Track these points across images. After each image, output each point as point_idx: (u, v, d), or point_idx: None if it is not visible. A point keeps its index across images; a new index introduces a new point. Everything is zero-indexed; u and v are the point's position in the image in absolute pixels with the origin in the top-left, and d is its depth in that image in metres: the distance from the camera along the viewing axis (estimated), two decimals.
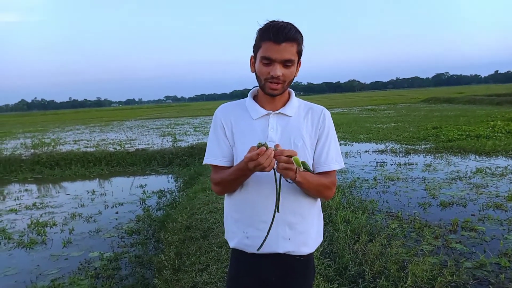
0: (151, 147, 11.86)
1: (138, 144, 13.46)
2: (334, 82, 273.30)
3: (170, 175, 8.67)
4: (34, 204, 6.64)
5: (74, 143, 15.56)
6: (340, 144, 8.39)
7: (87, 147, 13.55)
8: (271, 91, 1.43)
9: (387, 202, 5.43)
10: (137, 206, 6.20)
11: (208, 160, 1.55)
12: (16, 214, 6.14)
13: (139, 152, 10.43)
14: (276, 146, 1.30)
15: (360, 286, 3.02)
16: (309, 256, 1.56)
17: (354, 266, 3.32)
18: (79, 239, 4.81)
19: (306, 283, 1.57)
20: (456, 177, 6.61)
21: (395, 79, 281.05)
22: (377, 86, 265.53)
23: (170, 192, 6.97)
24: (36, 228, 5.23)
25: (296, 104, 1.55)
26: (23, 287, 3.55)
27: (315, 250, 1.60)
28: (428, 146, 9.96)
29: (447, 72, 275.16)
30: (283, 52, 1.37)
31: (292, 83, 1.50)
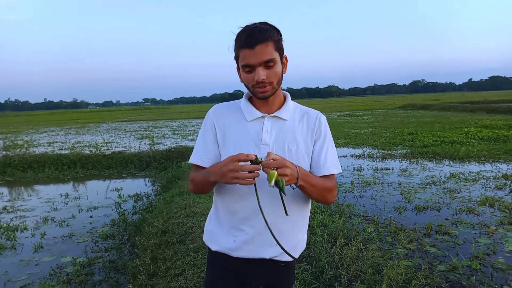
0: (128, 150, 11.67)
1: (115, 147, 13.23)
2: (313, 88, 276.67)
3: (147, 179, 8.55)
4: (4, 208, 6.42)
5: (48, 145, 15.15)
6: None
7: (62, 149, 13.21)
8: (261, 95, 1.41)
9: (363, 206, 5.50)
10: (112, 210, 6.07)
11: (193, 159, 1.52)
12: None
13: (115, 155, 10.24)
14: (268, 154, 1.26)
15: None
16: (292, 263, 1.55)
17: (330, 269, 3.33)
18: (51, 244, 4.67)
19: None
20: (431, 182, 6.75)
21: (373, 85, 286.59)
22: (355, 92, 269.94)
23: (146, 195, 6.86)
24: (6, 233, 5.06)
25: (291, 107, 1.53)
26: None
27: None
28: (404, 151, 10.15)
29: (423, 80, 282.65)
30: (259, 55, 1.34)
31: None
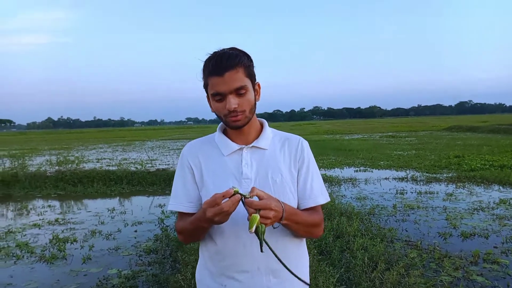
0: (172, 167, 12.02)
1: (159, 164, 13.68)
2: (354, 108, 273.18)
3: None
4: (56, 220, 6.80)
5: (97, 162, 15.91)
6: (359, 171, 8.43)
7: (110, 165, 13.82)
8: (234, 123, 1.31)
9: (406, 231, 5.36)
10: (155, 225, 6.27)
11: (172, 206, 1.40)
12: (39, 229, 6.30)
13: (159, 172, 10.59)
14: (252, 190, 1.15)
15: None
16: None
17: None
18: (99, 256, 4.90)
19: None
20: (479, 208, 6.48)
21: (417, 106, 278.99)
22: (398, 112, 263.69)
23: None
24: (58, 244, 5.35)
25: (270, 135, 1.43)
26: None
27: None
28: (450, 175, 9.80)
29: (471, 100, 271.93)
30: (229, 82, 1.26)
31: (256, 108, 1.38)
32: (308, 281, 1.40)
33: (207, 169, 1.37)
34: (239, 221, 1.26)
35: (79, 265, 4.60)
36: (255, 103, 1.35)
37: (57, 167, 11.20)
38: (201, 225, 1.26)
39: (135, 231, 6.00)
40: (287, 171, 1.37)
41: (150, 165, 13.26)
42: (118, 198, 8.82)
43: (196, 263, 4.01)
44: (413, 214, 6.24)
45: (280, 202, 1.19)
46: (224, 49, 1.30)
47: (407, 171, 10.63)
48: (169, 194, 8.66)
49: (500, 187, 8.18)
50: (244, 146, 1.38)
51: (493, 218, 5.86)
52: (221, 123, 1.42)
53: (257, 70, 1.38)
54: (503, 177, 8.85)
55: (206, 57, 1.31)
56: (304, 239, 1.44)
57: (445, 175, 9.85)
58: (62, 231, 6.06)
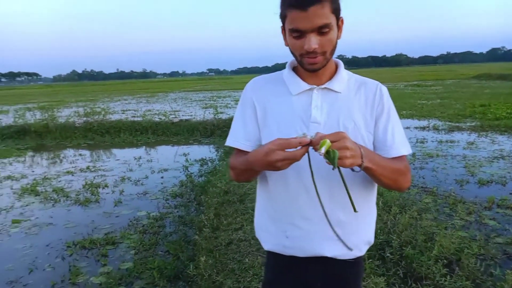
0: (194, 118, 12.27)
1: (182, 115, 13.93)
2: (380, 56, 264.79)
3: (211, 145, 9.03)
4: (87, 168, 7.20)
5: (122, 113, 16.32)
6: None
7: (135, 116, 14.19)
8: (310, 66, 1.17)
9: (423, 178, 5.46)
10: (180, 172, 6.57)
11: (230, 142, 1.33)
12: (72, 175, 6.71)
13: (182, 123, 10.87)
14: (316, 134, 1.03)
15: (387, 253, 3.19)
16: (359, 259, 1.32)
17: (382, 235, 3.47)
18: (128, 200, 5.25)
19: None
20: (499, 156, 6.47)
21: (445, 53, 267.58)
22: (426, 60, 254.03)
23: (211, 160, 7.31)
24: (90, 189, 5.73)
25: (345, 77, 1.27)
26: (81, 238, 3.99)
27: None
28: (473, 124, 9.68)
29: (504, 47, 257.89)
30: (313, 19, 1.08)
31: (336, 49, 1.20)
32: (363, 251, 1.31)
33: (272, 109, 1.26)
34: (303, 167, 1.16)
35: (111, 207, 4.96)
36: (336, 43, 1.18)
37: (84, 118, 11.63)
38: (251, 168, 1.18)
39: (162, 177, 6.32)
40: (362, 118, 1.23)
41: (173, 116, 13.54)
42: (144, 147, 9.17)
43: (218, 206, 4.29)
44: (432, 162, 6.30)
45: (355, 143, 1.05)
46: None
47: (430, 120, 10.53)
48: (192, 143, 8.98)
49: None
50: (315, 86, 1.24)
51: None
52: (292, 59, 1.28)
53: None
54: None
55: None
56: (375, 195, 1.32)
57: (468, 124, 9.73)
58: (94, 178, 6.44)
